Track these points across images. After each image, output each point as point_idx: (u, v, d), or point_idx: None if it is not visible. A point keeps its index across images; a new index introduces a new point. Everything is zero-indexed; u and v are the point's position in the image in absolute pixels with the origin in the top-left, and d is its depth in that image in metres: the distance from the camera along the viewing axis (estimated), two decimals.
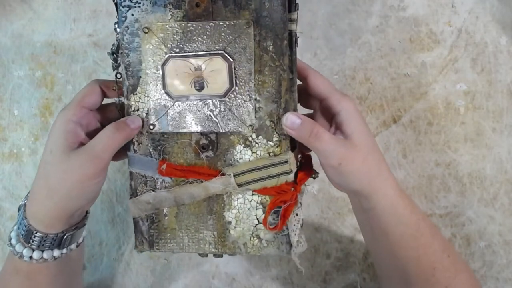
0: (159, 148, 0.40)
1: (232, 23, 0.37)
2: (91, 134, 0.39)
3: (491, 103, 0.56)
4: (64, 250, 0.40)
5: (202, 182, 0.39)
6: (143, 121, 0.39)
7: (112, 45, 0.40)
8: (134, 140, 0.40)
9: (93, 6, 0.62)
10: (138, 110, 0.39)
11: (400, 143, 0.56)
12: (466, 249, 0.54)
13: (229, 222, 0.40)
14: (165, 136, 0.40)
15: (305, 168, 0.41)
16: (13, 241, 0.39)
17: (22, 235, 0.38)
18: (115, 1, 0.39)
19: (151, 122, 0.39)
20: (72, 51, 0.61)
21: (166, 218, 0.41)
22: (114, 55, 0.40)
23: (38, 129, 0.61)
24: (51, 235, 0.38)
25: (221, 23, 0.37)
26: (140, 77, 0.39)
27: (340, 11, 0.59)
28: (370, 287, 0.54)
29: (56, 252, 0.39)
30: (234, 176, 0.38)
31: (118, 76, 0.40)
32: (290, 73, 0.38)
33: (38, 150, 0.60)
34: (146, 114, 0.39)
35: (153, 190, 0.40)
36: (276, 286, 0.55)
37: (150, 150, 0.40)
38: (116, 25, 0.39)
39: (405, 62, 0.57)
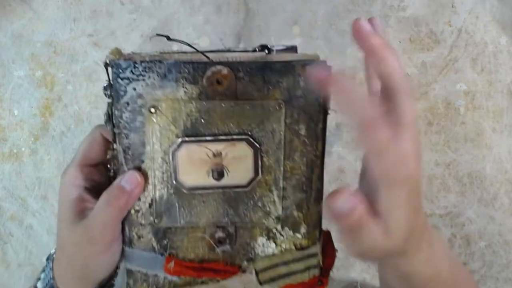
0: (165, 242, 0.34)
1: (260, 103, 0.31)
2: (102, 191, 0.35)
3: (491, 103, 0.56)
4: None
5: (218, 281, 0.34)
6: (145, 181, 0.33)
7: (105, 114, 0.34)
8: (133, 233, 0.34)
9: (93, 6, 0.62)
10: (139, 199, 0.33)
11: None
12: (466, 249, 0.54)
13: None
14: (173, 229, 0.33)
15: (328, 250, 0.36)
16: None
17: None
18: (107, 66, 0.31)
19: (157, 214, 0.33)
20: (72, 51, 0.61)
21: None
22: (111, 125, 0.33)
23: (38, 129, 0.61)
24: None
25: (246, 104, 0.31)
26: (143, 161, 0.32)
27: (340, 11, 0.59)
28: (370, 287, 0.54)
29: None
30: (256, 272, 0.33)
31: (113, 154, 0.34)
32: (321, 160, 0.33)
33: (38, 150, 0.60)
34: (150, 204, 0.33)
35: None
36: None
37: (154, 244, 0.34)
38: (108, 91, 0.32)
39: (405, 62, 0.57)
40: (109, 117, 0.32)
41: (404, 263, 0.32)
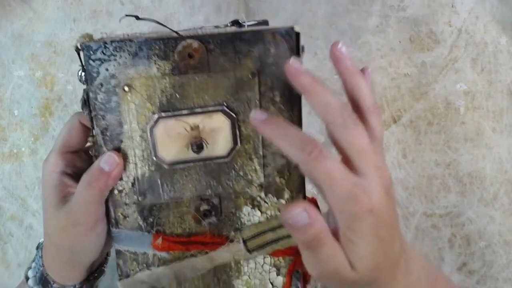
0: (151, 219, 0.34)
1: (233, 74, 0.32)
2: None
3: (491, 103, 0.56)
4: None
5: (207, 253, 0.34)
6: (125, 160, 0.32)
7: (82, 99, 0.33)
8: (118, 213, 0.34)
9: (93, 6, 0.62)
10: (121, 179, 0.33)
11: (400, 143, 0.56)
12: (466, 249, 0.54)
13: None
14: (157, 205, 0.34)
15: None
16: (31, 282, 0.38)
17: (38, 278, 0.37)
18: (78, 49, 0.31)
19: (140, 192, 0.33)
20: (72, 51, 0.61)
21: None
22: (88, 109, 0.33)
23: (38, 129, 0.61)
24: (69, 287, 0.37)
25: (219, 75, 0.31)
26: (122, 141, 0.32)
27: (340, 11, 0.58)
28: None
29: None
30: (244, 241, 0.34)
31: (92, 139, 0.33)
32: (298, 123, 0.33)
33: (38, 150, 0.60)
34: (132, 183, 0.33)
35: (147, 267, 0.35)
36: None
37: (140, 223, 0.34)
38: (82, 74, 0.32)
39: (405, 62, 0.57)
40: (85, 101, 0.32)
41: None
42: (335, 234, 0.29)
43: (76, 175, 0.35)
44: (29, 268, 0.39)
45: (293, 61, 0.29)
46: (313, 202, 0.36)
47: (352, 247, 0.28)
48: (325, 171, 0.27)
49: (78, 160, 0.36)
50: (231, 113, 0.32)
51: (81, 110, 0.33)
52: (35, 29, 0.62)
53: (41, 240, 0.38)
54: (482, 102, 0.56)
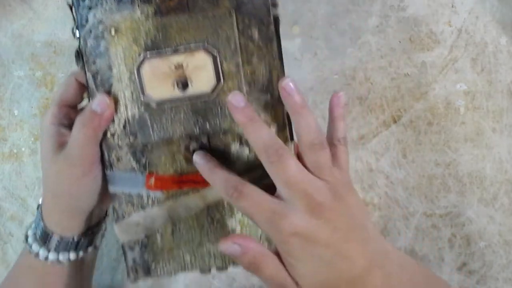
0: (143, 160, 0.35)
1: (211, 14, 0.34)
2: None
3: (491, 103, 0.56)
4: (80, 253, 0.40)
5: (198, 191, 0.36)
6: (116, 102, 0.34)
7: (75, 52, 0.35)
8: (112, 156, 0.35)
9: None
10: (113, 122, 0.35)
11: (400, 143, 0.56)
12: (466, 249, 0.54)
13: (234, 230, 0.36)
14: (149, 146, 0.35)
15: None
16: (30, 240, 0.39)
17: (38, 235, 0.38)
18: (70, 3, 0.34)
19: (131, 133, 0.35)
20: (72, 51, 0.61)
21: (161, 237, 0.36)
22: (81, 62, 0.35)
23: (38, 129, 0.61)
24: (68, 238, 0.38)
25: (199, 15, 0.34)
26: (112, 84, 0.34)
27: (340, 11, 0.58)
28: None
29: (72, 255, 0.39)
30: None
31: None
32: (279, 60, 0.35)
33: (38, 150, 0.60)
34: (124, 125, 0.35)
35: (142, 209, 0.36)
36: None
37: (133, 164, 0.36)
38: (76, 29, 0.35)
39: (405, 62, 0.57)
40: (78, 53, 0.35)
41: None
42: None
43: (72, 127, 0.36)
44: (29, 228, 0.40)
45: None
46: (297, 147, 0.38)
47: (291, 267, 0.30)
48: (245, 207, 0.30)
49: (75, 114, 0.37)
50: (212, 50, 0.34)
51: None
52: (35, 29, 0.62)
53: (40, 201, 0.39)
54: (482, 102, 0.56)
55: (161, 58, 0.34)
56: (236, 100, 0.32)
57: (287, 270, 0.30)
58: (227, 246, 0.31)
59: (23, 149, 0.60)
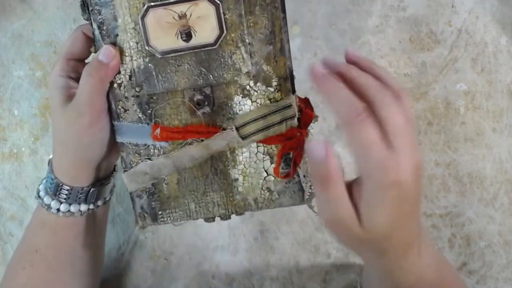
0: (149, 111, 0.36)
1: None
2: None
3: (491, 103, 0.56)
4: (91, 206, 0.41)
5: (202, 140, 0.36)
6: (121, 53, 0.35)
7: (80, 3, 0.36)
8: (119, 107, 0.36)
9: None
10: (119, 73, 0.36)
11: None
12: (466, 249, 0.54)
13: (236, 179, 0.37)
14: (154, 97, 0.36)
15: (306, 110, 0.38)
16: (42, 194, 0.40)
17: (49, 188, 0.39)
18: None
19: (137, 84, 0.36)
20: None
21: (167, 186, 0.38)
22: (87, 13, 0.36)
23: (38, 129, 0.61)
24: (78, 188, 0.39)
25: None
26: (117, 35, 0.35)
27: (340, 11, 0.58)
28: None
29: (83, 207, 0.40)
30: (237, 128, 0.36)
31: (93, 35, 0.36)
32: (282, 11, 0.35)
33: (38, 150, 0.60)
34: (130, 76, 0.36)
35: (148, 159, 0.37)
36: (276, 286, 0.55)
37: (139, 115, 0.37)
38: None
39: (405, 62, 0.57)
40: (84, 3, 0.35)
41: (385, 264, 0.32)
42: (353, 195, 0.30)
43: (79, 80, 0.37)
44: (40, 183, 0.41)
45: (316, 68, 0.31)
46: (306, 101, 0.39)
47: (368, 209, 0.29)
48: (364, 136, 0.28)
49: (82, 67, 0.38)
50: (215, 0, 0.34)
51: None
52: (35, 29, 0.62)
53: (50, 156, 0.40)
54: (482, 102, 0.56)
55: (164, 7, 0.34)
56: (318, 70, 0.30)
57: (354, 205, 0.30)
58: (317, 145, 0.29)
59: (23, 149, 0.60)
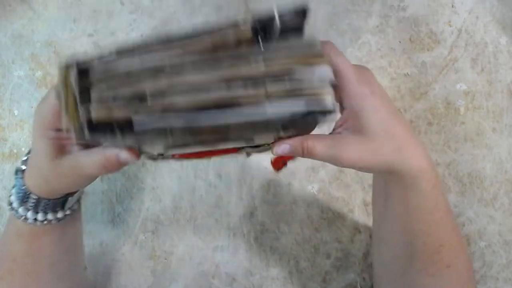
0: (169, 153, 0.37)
1: None
2: None
3: (491, 103, 0.56)
4: (68, 211, 0.41)
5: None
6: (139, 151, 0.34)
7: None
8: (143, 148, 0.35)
9: (93, 6, 0.62)
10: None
11: None
12: (466, 249, 0.54)
13: None
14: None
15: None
16: (15, 205, 0.39)
17: (21, 197, 0.39)
18: None
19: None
20: (72, 51, 0.61)
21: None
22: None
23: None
24: (54, 200, 0.39)
25: None
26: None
27: (340, 11, 0.58)
28: (370, 287, 0.54)
29: (60, 214, 0.40)
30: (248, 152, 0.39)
31: None
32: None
33: None
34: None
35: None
36: (276, 286, 0.55)
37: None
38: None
39: (405, 62, 0.57)
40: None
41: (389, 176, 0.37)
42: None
43: None
44: (10, 195, 0.40)
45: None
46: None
47: (361, 119, 0.34)
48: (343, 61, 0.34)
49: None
50: None
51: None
52: (35, 29, 0.62)
53: (19, 166, 0.39)
54: (482, 102, 0.56)
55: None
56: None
57: (335, 139, 0.35)
58: (279, 148, 0.34)
59: (23, 149, 0.60)
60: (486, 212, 0.54)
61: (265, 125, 0.29)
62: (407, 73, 0.57)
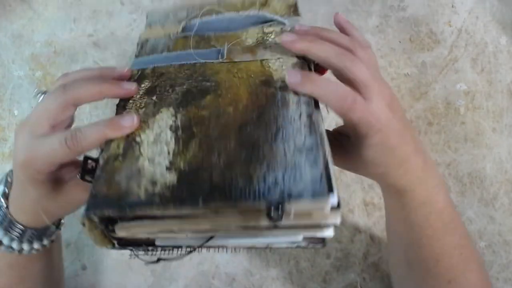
0: None
1: None
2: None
3: (491, 103, 0.56)
4: (53, 236, 0.40)
5: None
6: None
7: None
8: None
9: (93, 6, 0.62)
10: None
11: None
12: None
13: None
14: None
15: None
16: (6, 241, 0.38)
17: (7, 228, 0.38)
18: None
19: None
20: (72, 51, 0.61)
21: None
22: None
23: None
24: (38, 228, 0.39)
25: None
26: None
27: (340, 11, 0.58)
28: (370, 287, 0.54)
29: (46, 241, 0.40)
30: None
31: None
32: None
33: None
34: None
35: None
36: (276, 286, 0.55)
37: None
38: None
39: (405, 62, 0.57)
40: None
41: (393, 183, 0.36)
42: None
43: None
44: None
45: (284, 36, 0.34)
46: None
47: (360, 150, 0.33)
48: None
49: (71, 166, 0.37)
50: None
51: None
52: (35, 29, 0.62)
53: (2, 188, 0.38)
54: (482, 102, 0.56)
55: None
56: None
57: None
58: (293, 74, 0.32)
59: None
60: (486, 212, 0.54)
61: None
62: (407, 73, 0.57)
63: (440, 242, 0.37)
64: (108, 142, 0.31)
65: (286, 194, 0.26)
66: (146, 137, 0.31)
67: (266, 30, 0.38)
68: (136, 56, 0.39)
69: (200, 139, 0.30)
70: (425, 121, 0.56)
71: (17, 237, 0.38)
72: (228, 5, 0.40)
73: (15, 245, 0.38)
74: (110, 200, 0.28)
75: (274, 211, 0.26)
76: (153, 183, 0.28)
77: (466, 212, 0.54)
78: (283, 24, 0.38)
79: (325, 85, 0.31)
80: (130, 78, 0.36)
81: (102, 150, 0.31)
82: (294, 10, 0.40)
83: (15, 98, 0.61)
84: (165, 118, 0.32)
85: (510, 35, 0.57)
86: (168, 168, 0.28)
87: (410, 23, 0.58)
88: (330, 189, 0.26)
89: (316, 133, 0.29)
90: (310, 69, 0.35)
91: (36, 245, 0.39)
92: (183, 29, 0.39)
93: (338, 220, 0.26)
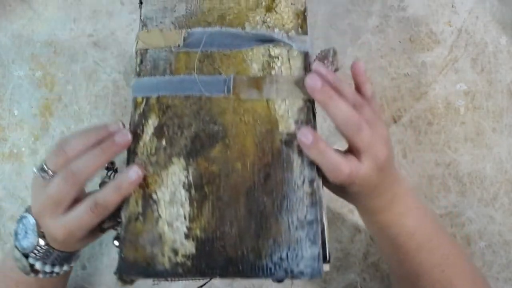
0: None
1: None
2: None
3: (491, 103, 0.56)
4: (72, 263, 0.41)
5: None
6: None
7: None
8: None
9: (93, 6, 0.62)
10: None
11: (400, 143, 0.56)
12: (466, 249, 0.54)
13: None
14: None
15: None
16: (32, 260, 0.38)
17: (37, 251, 0.37)
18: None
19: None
20: (72, 51, 0.61)
21: None
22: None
23: (38, 129, 0.61)
24: (66, 253, 0.39)
25: None
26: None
27: (340, 11, 0.58)
28: (370, 287, 0.54)
29: (66, 266, 0.40)
30: None
31: None
32: None
33: (38, 150, 0.60)
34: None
35: None
36: (276, 286, 0.55)
37: None
38: None
39: (405, 62, 0.57)
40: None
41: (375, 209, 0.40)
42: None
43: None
44: (25, 255, 0.38)
45: (309, 80, 0.35)
46: None
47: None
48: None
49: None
50: None
51: None
52: (35, 29, 0.62)
53: (28, 218, 0.37)
54: (482, 102, 0.56)
55: None
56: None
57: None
58: (306, 132, 0.34)
59: (23, 149, 0.60)
60: (486, 212, 0.54)
61: None
62: (407, 73, 0.57)
63: (416, 260, 0.40)
64: (126, 199, 0.34)
65: (289, 272, 0.32)
66: (162, 196, 0.34)
67: (272, 52, 0.38)
68: (137, 74, 0.38)
69: (212, 202, 0.33)
70: (425, 121, 0.56)
71: (41, 257, 0.37)
72: (230, 0, 0.39)
73: (38, 265, 0.38)
74: (139, 268, 0.33)
75: (277, 282, 0.33)
76: (175, 251, 0.32)
77: (466, 212, 0.54)
78: (290, 46, 0.38)
79: (329, 156, 0.34)
80: (136, 107, 0.37)
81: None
82: (302, 19, 0.39)
83: (15, 98, 0.61)
84: (177, 173, 0.34)
85: (510, 35, 0.57)
86: (186, 236, 0.33)
87: (410, 23, 0.58)
88: (325, 259, 0.33)
89: (317, 204, 0.33)
90: (314, 113, 0.37)
91: (56, 269, 0.39)
92: (185, 39, 0.38)
93: (327, 269, 0.33)
